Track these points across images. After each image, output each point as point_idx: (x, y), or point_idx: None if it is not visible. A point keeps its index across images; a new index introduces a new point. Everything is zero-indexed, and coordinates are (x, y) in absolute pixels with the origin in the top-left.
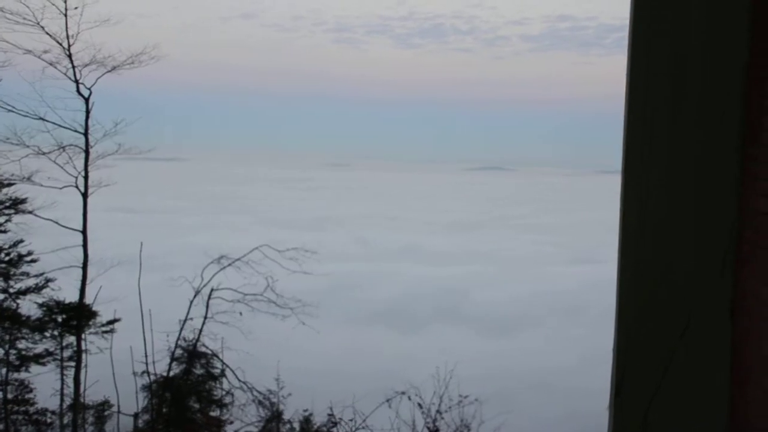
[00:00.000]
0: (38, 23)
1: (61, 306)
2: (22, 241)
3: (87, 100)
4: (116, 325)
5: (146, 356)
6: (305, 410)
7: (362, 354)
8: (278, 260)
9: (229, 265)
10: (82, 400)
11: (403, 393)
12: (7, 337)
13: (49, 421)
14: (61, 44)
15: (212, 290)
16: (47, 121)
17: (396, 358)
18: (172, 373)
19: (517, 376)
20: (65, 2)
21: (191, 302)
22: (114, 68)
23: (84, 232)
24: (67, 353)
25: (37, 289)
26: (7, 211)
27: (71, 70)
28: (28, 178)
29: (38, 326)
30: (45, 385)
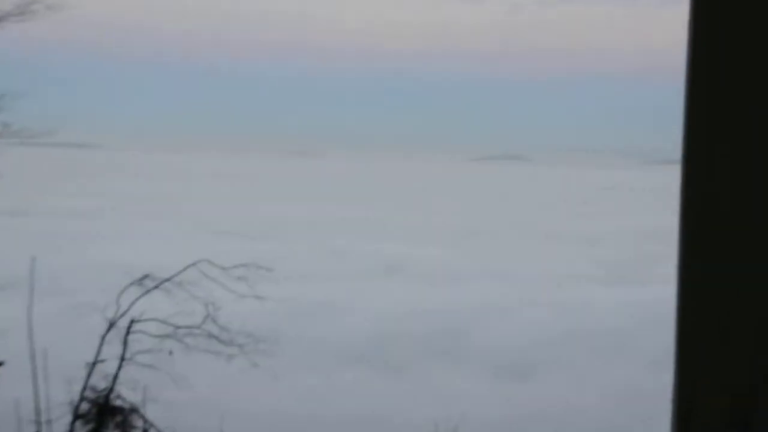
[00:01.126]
0: None
1: None
2: None
3: None
4: None
5: (38, 413)
6: None
7: (334, 405)
8: (222, 281)
9: (156, 287)
10: None
11: None
12: None
13: None
14: None
15: (132, 322)
16: None
17: (379, 410)
18: None
19: None
20: None
21: (103, 338)
22: None
23: None
24: None
25: None
26: None
27: None
28: None
29: None
30: None
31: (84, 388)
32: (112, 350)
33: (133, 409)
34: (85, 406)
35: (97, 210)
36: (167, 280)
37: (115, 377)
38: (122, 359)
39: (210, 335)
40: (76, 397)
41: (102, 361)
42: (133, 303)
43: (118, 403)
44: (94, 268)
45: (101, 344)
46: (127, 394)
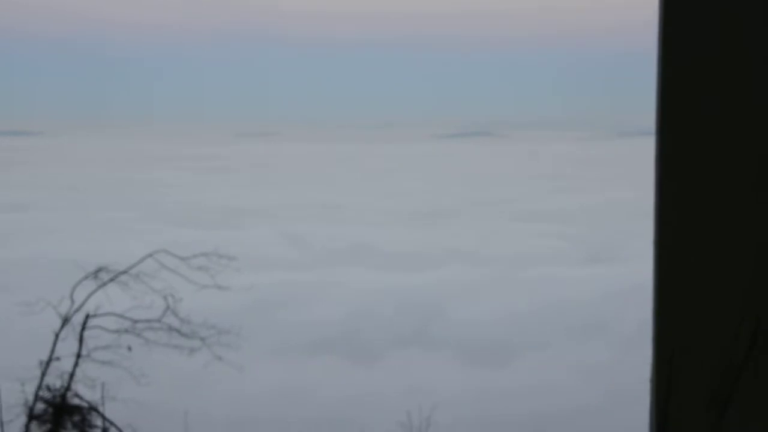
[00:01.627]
0: None
1: None
2: None
3: None
4: None
5: None
6: None
7: (301, 396)
8: (181, 271)
9: (111, 280)
10: None
11: None
12: None
13: None
14: None
15: (87, 317)
16: None
17: (348, 400)
18: None
19: (516, 420)
20: None
21: (57, 335)
22: None
23: None
24: None
25: None
26: None
27: None
28: None
29: None
30: None
31: (39, 388)
32: (67, 348)
33: (92, 408)
34: (40, 407)
35: (43, 200)
36: (123, 272)
37: (72, 375)
38: (78, 356)
39: (170, 328)
40: (31, 398)
41: (57, 358)
42: (87, 297)
43: (75, 402)
44: (43, 262)
45: (55, 341)
46: (84, 392)
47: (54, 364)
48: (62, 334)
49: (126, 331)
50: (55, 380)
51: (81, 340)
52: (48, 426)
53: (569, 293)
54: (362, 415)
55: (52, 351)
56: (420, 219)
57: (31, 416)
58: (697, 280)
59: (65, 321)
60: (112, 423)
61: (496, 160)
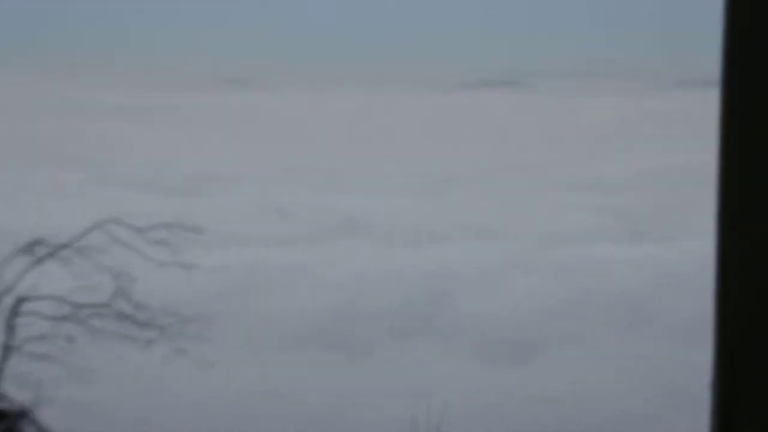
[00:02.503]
0: None
1: None
2: None
3: None
4: None
5: None
6: None
7: (282, 400)
8: (137, 246)
9: (50, 256)
10: None
11: None
12: None
13: None
14: None
15: (20, 301)
16: None
17: (339, 404)
18: None
19: (543, 426)
20: None
21: None
22: None
23: None
24: None
25: None
26: None
27: None
28: None
29: None
30: None
31: None
32: None
33: (23, 413)
34: None
35: None
36: (65, 246)
37: None
38: (7, 349)
39: (122, 315)
40: None
41: None
42: (20, 276)
43: (2, 405)
44: None
45: None
46: (14, 393)
47: None
48: None
49: (67, 318)
50: None
51: (11, 328)
52: None
53: (610, 278)
54: (356, 423)
55: None
56: (428, 187)
57: None
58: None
59: None
60: (47, 431)
61: (523, 117)
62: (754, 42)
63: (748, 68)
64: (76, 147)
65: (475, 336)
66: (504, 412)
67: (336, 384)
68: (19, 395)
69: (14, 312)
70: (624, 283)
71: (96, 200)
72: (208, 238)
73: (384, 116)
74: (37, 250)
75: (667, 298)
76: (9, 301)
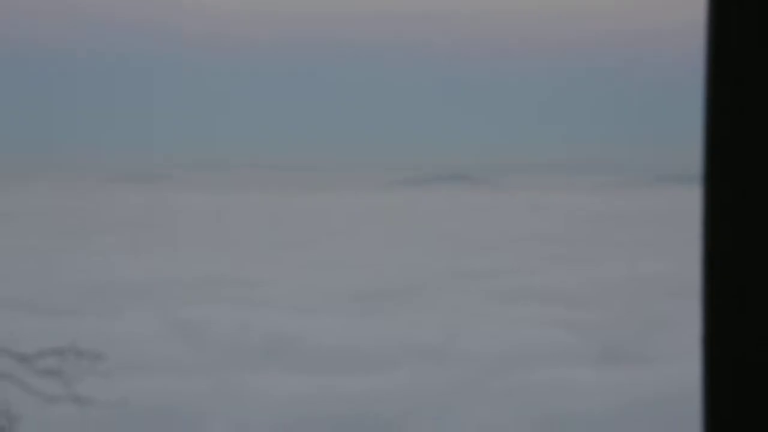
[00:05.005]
0: None
1: None
2: None
3: None
4: None
5: None
6: None
7: None
8: (20, 376)
9: None
10: None
11: None
12: None
13: None
14: None
15: None
16: None
17: None
18: None
19: None
20: None
21: None
22: None
23: None
24: None
25: None
26: None
27: None
28: None
29: None
30: None
31: None
32: None
33: None
34: None
35: None
36: None
37: None
38: None
39: None
40: None
41: None
42: None
43: None
44: None
45: None
46: None
47: None
48: None
49: None
50: None
51: None
52: None
53: (575, 406)
54: None
55: None
56: (367, 301)
57: None
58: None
59: None
60: None
61: (478, 216)
62: (741, 137)
63: (737, 164)
64: None
65: None
66: None
67: None
68: None
69: None
70: (590, 411)
71: None
72: (108, 365)
73: (313, 217)
74: None
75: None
76: None
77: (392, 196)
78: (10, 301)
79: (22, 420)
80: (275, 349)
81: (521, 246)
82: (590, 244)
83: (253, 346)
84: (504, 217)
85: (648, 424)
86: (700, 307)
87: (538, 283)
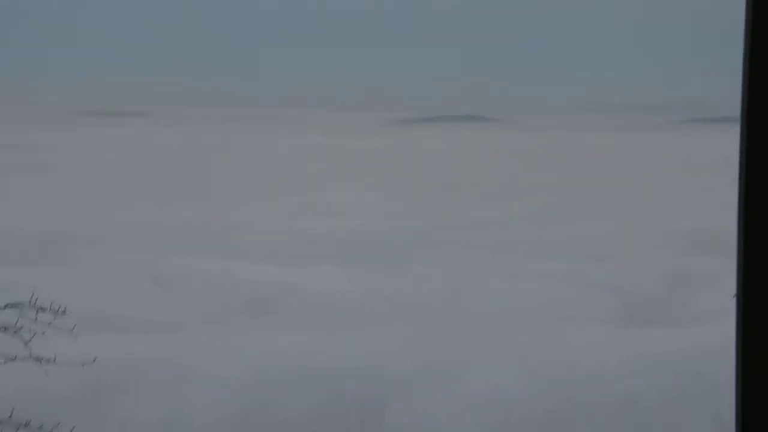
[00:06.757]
0: None
1: None
2: None
3: None
4: None
5: None
6: None
7: None
8: None
9: None
10: None
11: None
12: None
13: None
14: None
15: None
16: None
17: None
18: None
19: None
20: None
21: None
22: None
23: None
24: None
25: None
26: None
27: None
28: None
29: None
30: None
31: None
32: None
33: None
34: None
35: None
36: None
37: None
38: None
39: None
40: None
41: None
42: None
43: None
44: None
45: None
46: None
47: None
48: None
49: None
50: None
51: None
52: None
53: (599, 376)
54: None
55: None
56: (361, 253)
57: None
58: None
59: None
60: None
61: (489, 158)
62: None
63: None
64: None
65: None
66: None
67: None
68: None
69: None
70: (614, 381)
71: None
72: (73, 320)
73: (303, 159)
74: None
75: (670, 399)
76: None
77: (386, 137)
78: None
79: None
80: (256, 303)
81: (535, 194)
82: (614, 195)
83: (231, 299)
84: (515, 161)
85: (672, 381)
86: (736, 265)
87: (555, 235)
